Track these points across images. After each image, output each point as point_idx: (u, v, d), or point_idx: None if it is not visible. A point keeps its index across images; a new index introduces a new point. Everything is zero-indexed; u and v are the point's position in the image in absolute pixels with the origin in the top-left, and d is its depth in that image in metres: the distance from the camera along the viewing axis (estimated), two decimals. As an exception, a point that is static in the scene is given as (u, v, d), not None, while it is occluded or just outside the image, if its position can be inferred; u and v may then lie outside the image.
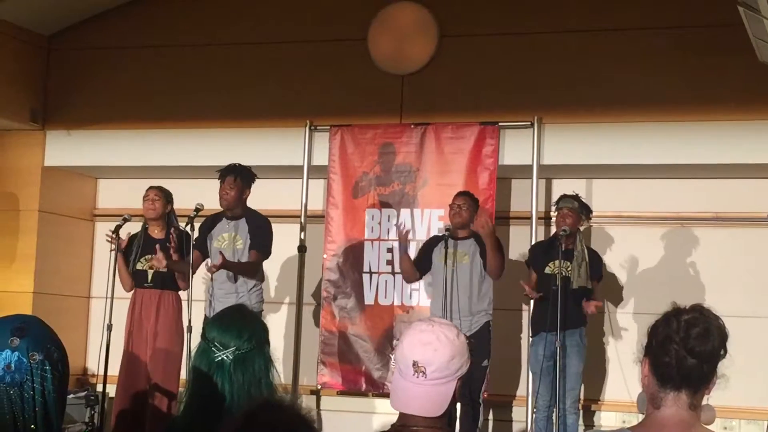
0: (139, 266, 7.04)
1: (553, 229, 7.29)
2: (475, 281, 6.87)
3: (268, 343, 2.83)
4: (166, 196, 7.10)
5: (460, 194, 7.03)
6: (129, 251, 7.07)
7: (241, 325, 2.81)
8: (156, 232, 7.07)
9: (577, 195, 7.00)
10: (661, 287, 7.40)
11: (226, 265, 6.76)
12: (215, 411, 2.68)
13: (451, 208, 6.97)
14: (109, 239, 6.91)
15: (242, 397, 2.67)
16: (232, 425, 1.96)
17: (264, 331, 2.85)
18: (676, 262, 7.65)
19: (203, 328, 2.85)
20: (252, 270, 6.96)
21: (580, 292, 6.82)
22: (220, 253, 6.82)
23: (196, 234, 6.91)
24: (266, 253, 7.05)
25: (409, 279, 7.23)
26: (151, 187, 7.16)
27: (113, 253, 6.92)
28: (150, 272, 7.01)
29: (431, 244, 7.10)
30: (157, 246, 6.86)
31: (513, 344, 7.79)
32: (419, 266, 7.07)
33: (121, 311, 7.04)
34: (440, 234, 7.09)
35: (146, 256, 7.01)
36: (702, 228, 7.66)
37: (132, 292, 7.07)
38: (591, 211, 7.09)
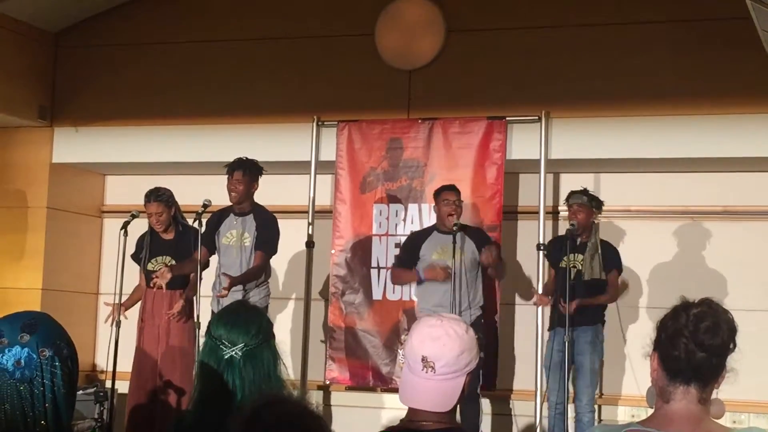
0: (149, 267, 7.02)
1: (562, 224, 7.27)
2: (471, 276, 6.87)
3: (273, 336, 2.83)
4: (167, 203, 6.97)
5: (448, 189, 6.97)
6: (139, 250, 7.08)
7: (247, 320, 2.80)
8: (165, 233, 7.07)
9: (585, 189, 6.98)
10: (672, 281, 7.39)
11: (234, 282, 6.73)
12: (225, 407, 2.68)
13: (446, 205, 6.92)
14: (110, 317, 6.86)
15: (254, 393, 2.67)
16: (240, 420, 1.96)
17: (269, 324, 2.85)
18: (686, 256, 7.63)
19: (208, 325, 2.84)
20: (260, 273, 6.95)
21: (593, 285, 6.81)
22: (226, 275, 6.78)
23: (203, 230, 6.90)
24: (272, 252, 7.03)
25: (398, 284, 7.37)
26: (148, 202, 6.94)
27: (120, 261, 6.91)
28: None
29: (418, 239, 7.09)
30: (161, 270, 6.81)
31: (510, 339, 7.77)
32: (407, 265, 7.03)
33: (131, 308, 7.06)
34: (428, 227, 7.14)
35: (156, 258, 7.01)
36: (712, 222, 7.64)
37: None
38: (602, 203, 7.06)
